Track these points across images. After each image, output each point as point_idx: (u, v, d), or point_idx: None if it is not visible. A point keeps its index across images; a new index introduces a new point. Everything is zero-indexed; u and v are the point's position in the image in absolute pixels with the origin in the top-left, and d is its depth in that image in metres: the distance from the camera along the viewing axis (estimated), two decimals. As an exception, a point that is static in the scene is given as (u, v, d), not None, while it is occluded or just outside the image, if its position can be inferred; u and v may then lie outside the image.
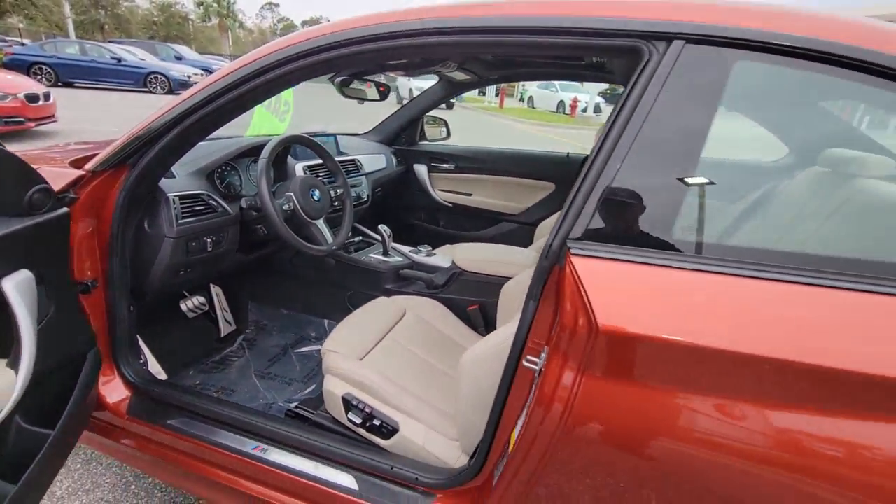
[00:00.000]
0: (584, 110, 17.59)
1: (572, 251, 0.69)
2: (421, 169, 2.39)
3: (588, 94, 18.60)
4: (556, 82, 21.68)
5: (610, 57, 0.96)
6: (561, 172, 2.19)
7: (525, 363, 0.78)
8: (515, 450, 0.79)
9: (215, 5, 36.93)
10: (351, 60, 0.94)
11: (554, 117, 17.22)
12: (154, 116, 1.04)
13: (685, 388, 0.64)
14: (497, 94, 23.21)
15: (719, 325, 0.62)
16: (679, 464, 0.65)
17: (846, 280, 0.60)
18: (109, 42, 17.13)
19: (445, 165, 2.38)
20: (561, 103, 19.25)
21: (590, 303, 0.65)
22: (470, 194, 2.39)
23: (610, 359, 0.66)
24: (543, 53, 1.05)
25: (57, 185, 0.96)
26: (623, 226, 0.72)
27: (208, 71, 17.67)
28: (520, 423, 0.80)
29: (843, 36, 0.65)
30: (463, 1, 0.91)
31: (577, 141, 10.98)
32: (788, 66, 0.67)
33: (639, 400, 0.65)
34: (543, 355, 0.74)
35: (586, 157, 0.75)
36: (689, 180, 0.70)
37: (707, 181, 0.73)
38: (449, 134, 2.53)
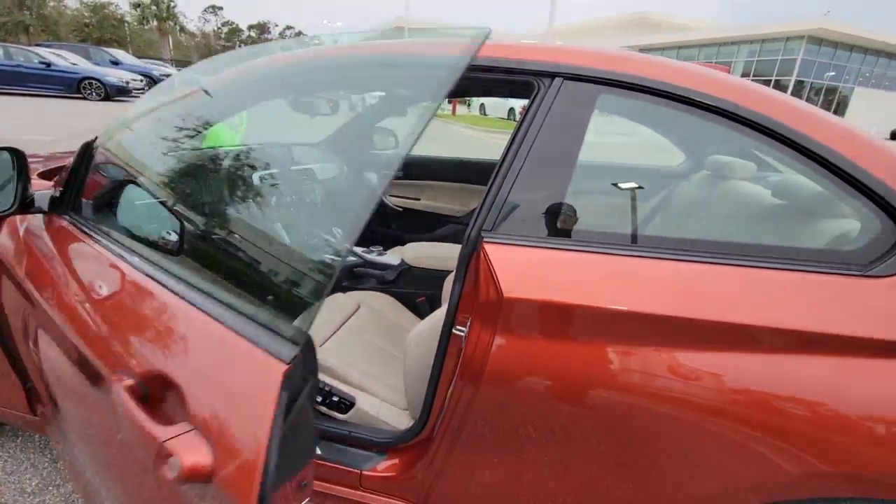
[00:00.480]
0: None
1: (485, 239, 0.90)
2: (371, 177, 2.56)
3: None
4: (506, 90, 22.38)
5: (513, 88, 1.19)
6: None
7: (455, 331, 0.98)
8: (449, 403, 0.98)
9: (154, 7, 35.28)
10: None
11: (505, 124, 17.75)
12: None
13: (565, 337, 0.86)
14: (449, 102, 23.63)
15: (588, 288, 0.84)
16: (570, 398, 0.87)
17: (684, 254, 0.84)
18: (37, 46, 16.04)
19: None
20: (511, 110, 19.94)
21: (497, 278, 0.86)
22: (418, 199, 2.58)
23: (514, 320, 0.87)
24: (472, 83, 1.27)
25: None
26: (521, 218, 0.93)
27: (149, 76, 16.93)
28: (452, 382, 0.99)
29: (664, 75, 0.90)
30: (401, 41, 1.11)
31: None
32: (629, 98, 0.92)
33: (536, 350, 0.87)
34: (468, 324, 0.94)
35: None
36: (568, 183, 0.93)
37: (582, 182, 0.96)
38: (397, 144, 2.71)
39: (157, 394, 0.68)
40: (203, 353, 0.68)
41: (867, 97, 30.74)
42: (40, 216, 1.12)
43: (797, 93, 28.60)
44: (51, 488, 1.42)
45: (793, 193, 1.13)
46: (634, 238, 0.94)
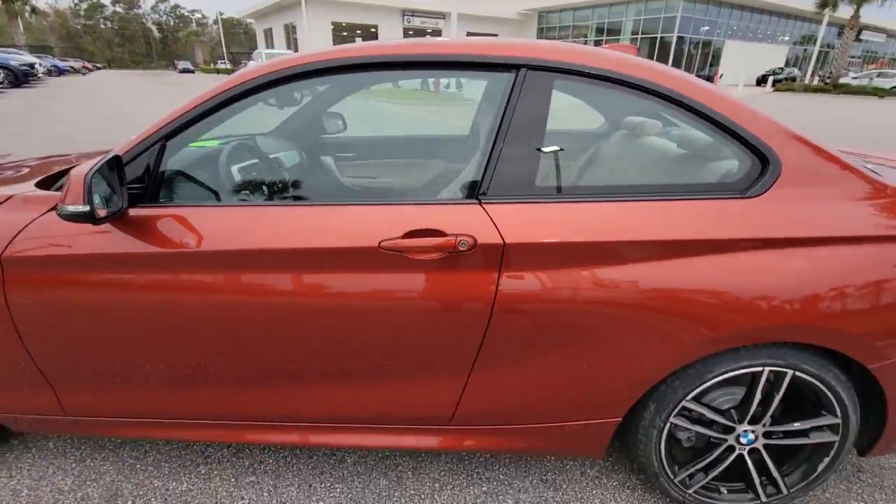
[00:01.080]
0: (448, 87, 18.38)
1: (483, 202, 1.16)
2: (327, 160, 2.68)
3: (448, 70, 19.46)
4: (417, 60, 22.21)
5: (492, 77, 1.45)
6: (447, 151, 2.67)
7: None
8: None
9: (-4, -15, 29.89)
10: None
11: (420, 95, 17.73)
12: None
13: (551, 267, 1.15)
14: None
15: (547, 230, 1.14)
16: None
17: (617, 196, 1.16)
18: None
19: (349, 155, 2.70)
20: (424, 81, 19.91)
21: (498, 228, 1.12)
22: (374, 177, 2.75)
23: (516, 260, 1.14)
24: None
25: None
26: (510, 182, 1.20)
27: (4, 67, 14.65)
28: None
29: (598, 62, 1.20)
30: (390, 42, 1.30)
31: (445, 118, 11.67)
32: (576, 81, 1.21)
33: (531, 279, 1.15)
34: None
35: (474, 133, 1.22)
36: (543, 148, 1.20)
37: (554, 149, 1.24)
38: (345, 127, 2.84)
39: None
40: None
41: (736, 48, 34.48)
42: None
43: (679, 47, 31.33)
44: (88, 482, 1.50)
45: (690, 144, 1.50)
46: (579, 188, 1.25)
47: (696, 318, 1.13)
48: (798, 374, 1.21)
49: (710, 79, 26.96)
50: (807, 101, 18.57)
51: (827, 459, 1.32)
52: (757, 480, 1.34)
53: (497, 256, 1.14)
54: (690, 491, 1.37)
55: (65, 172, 1.61)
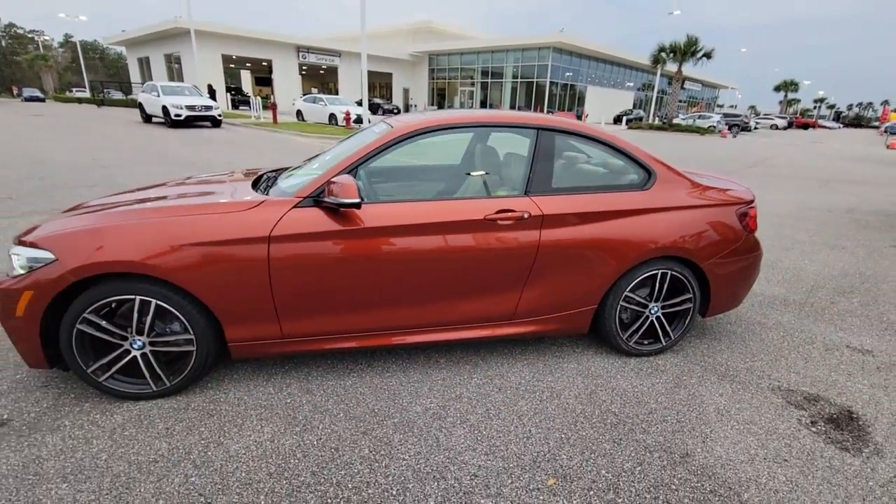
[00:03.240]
0: (358, 121, 19.40)
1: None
2: (454, 174, 3.25)
3: (357, 107, 20.57)
4: (323, 96, 22.95)
5: (528, 132, 2.62)
6: (509, 170, 3.78)
7: None
8: None
9: None
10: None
11: (332, 129, 18.48)
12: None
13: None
14: (265, 108, 23.02)
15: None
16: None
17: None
18: None
19: (461, 171, 3.11)
20: (332, 116, 20.74)
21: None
22: (472, 184, 3.76)
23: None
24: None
25: None
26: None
27: None
28: None
29: (570, 126, 2.47)
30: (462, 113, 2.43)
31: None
32: (564, 137, 2.48)
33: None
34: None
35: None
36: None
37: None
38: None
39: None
40: None
41: (596, 92, 40.86)
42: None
43: (551, 90, 36.28)
44: (285, 387, 2.28)
45: (610, 167, 2.82)
46: (568, 188, 2.50)
47: (628, 247, 2.41)
48: (672, 272, 2.54)
49: (579, 117, 31.81)
50: (652, 136, 23.13)
51: (688, 318, 2.67)
52: (660, 333, 2.64)
53: (539, 221, 2.30)
54: (632, 343, 2.62)
55: (258, 179, 2.53)
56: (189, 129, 15.81)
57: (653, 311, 2.61)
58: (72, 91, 48.92)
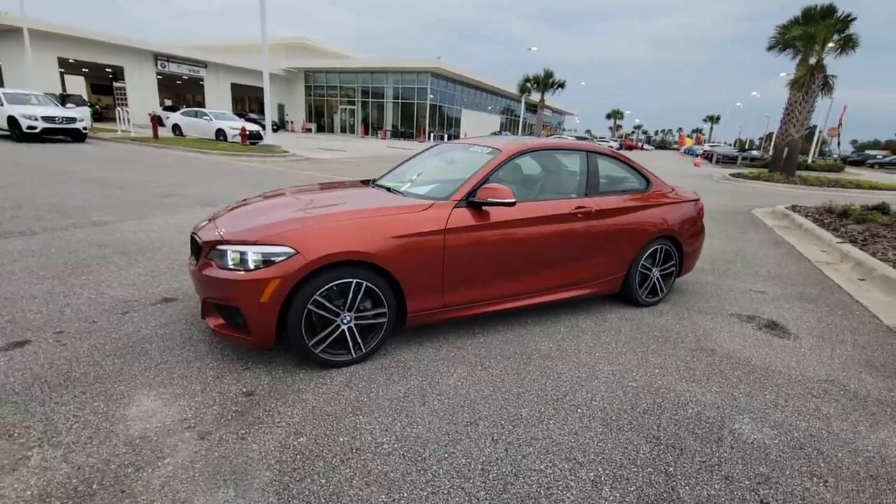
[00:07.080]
0: (255, 137, 18.60)
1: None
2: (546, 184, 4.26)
3: (256, 124, 19.71)
4: (207, 111, 21.39)
5: (580, 154, 3.63)
6: (570, 179, 4.64)
7: None
8: None
9: None
10: None
11: (228, 146, 17.47)
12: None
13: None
14: (96, 119, 20.53)
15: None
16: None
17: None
18: None
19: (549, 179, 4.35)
20: (221, 131, 19.47)
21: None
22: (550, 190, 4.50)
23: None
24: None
25: None
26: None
27: None
28: None
29: (601, 150, 3.61)
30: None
31: (282, 167, 12.61)
32: (602, 157, 3.60)
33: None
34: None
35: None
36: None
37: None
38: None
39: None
40: None
41: (470, 115, 44.53)
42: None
43: (432, 113, 38.63)
44: (402, 360, 2.91)
45: (626, 177, 4.01)
46: (604, 191, 3.62)
47: (643, 230, 3.62)
48: (665, 247, 3.82)
49: (458, 137, 34.48)
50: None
51: (673, 278, 3.97)
52: (659, 289, 3.89)
53: (594, 213, 3.37)
54: (644, 297, 3.81)
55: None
56: (45, 145, 13.69)
57: (655, 274, 3.84)
58: None
